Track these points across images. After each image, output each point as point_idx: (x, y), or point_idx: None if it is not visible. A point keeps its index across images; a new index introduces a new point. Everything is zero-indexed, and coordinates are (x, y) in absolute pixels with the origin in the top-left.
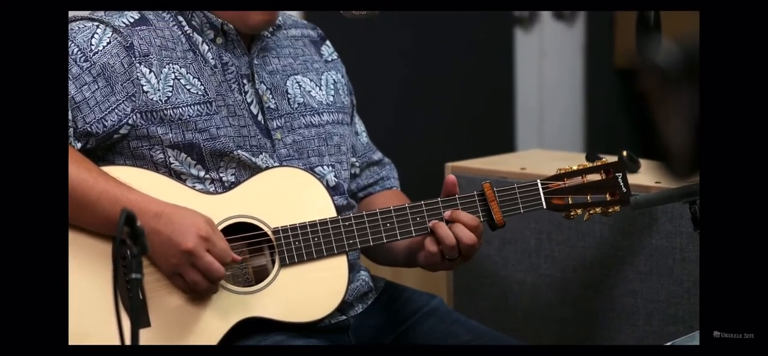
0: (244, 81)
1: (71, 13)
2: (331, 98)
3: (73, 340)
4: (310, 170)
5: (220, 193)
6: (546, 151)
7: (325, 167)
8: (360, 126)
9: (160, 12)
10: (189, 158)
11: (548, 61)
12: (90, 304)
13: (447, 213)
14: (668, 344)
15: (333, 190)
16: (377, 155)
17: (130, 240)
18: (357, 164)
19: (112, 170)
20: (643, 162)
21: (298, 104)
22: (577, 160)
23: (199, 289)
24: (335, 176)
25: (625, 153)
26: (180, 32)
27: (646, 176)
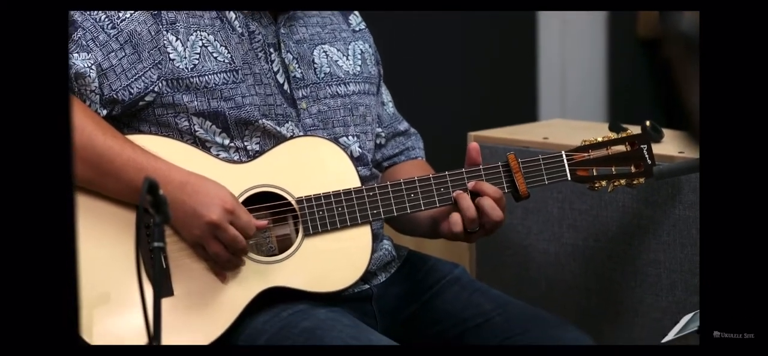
0: (271, 50)
1: None
2: (358, 68)
3: (95, 305)
4: (335, 140)
5: (245, 162)
6: (568, 120)
7: (349, 137)
8: (387, 96)
9: None
10: (214, 126)
11: (570, 31)
12: (114, 272)
13: (471, 184)
14: (679, 327)
15: (357, 161)
16: (403, 125)
17: (153, 209)
18: (383, 134)
19: (136, 138)
20: (666, 132)
21: (325, 73)
22: (599, 130)
23: (220, 260)
24: (360, 147)
25: (648, 123)
26: None
27: (669, 146)
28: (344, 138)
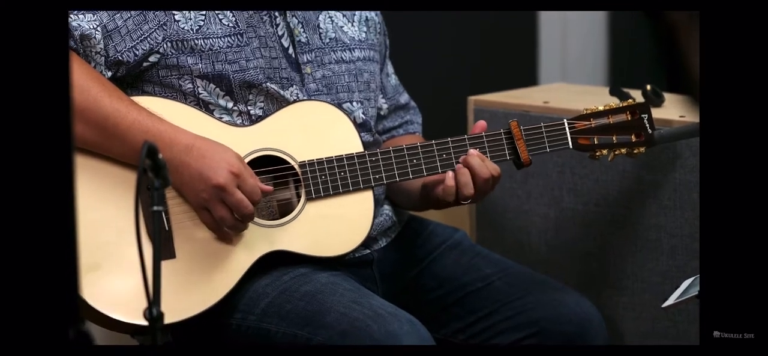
0: (276, 13)
1: None
2: (363, 35)
3: (97, 267)
4: (339, 105)
5: (247, 126)
6: (569, 85)
7: (353, 103)
8: (390, 67)
9: None
10: (218, 89)
11: None
12: (118, 234)
13: (473, 151)
14: (678, 294)
15: (360, 127)
16: (404, 98)
17: (152, 173)
18: (385, 105)
19: (141, 100)
20: (666, 96)
21: (330, 39)
22: (600, 93)
23: (225, 225)
24: (363, 113)
25: (649, 87)
26: None
27: (670, 110)
28: (348, 104)
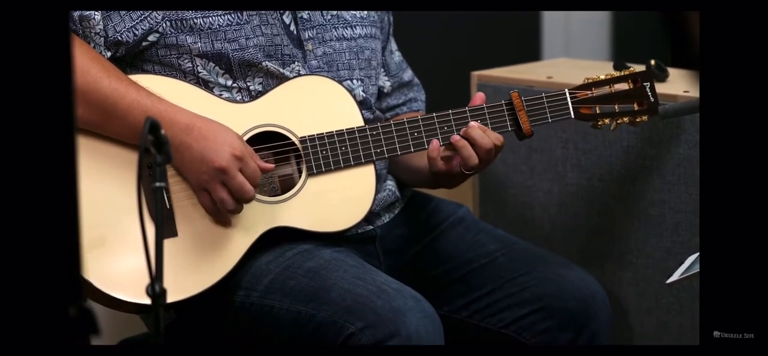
0: None
1: None
2: (365, 12)
3: (98, 246)
4: (339, 82)
5: (247, 102)
6: (572, 59)
7: (354, 81)
8: (394, 44)
9: None
10: (217, 67)
11: None
12: (120, 213)
13: (474, 123)
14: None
15: (361, 105)
16: (408, 75)
17: (154, 149)
18: (388, 83)
19: (140, 78)
20: (671, 71)
21: (331, 15)
22: (604, 68)
23: (225, 208)
24: (364, 91)
25: (653, 62)
26: None
27: (674, 85)
28: (349, 82)
